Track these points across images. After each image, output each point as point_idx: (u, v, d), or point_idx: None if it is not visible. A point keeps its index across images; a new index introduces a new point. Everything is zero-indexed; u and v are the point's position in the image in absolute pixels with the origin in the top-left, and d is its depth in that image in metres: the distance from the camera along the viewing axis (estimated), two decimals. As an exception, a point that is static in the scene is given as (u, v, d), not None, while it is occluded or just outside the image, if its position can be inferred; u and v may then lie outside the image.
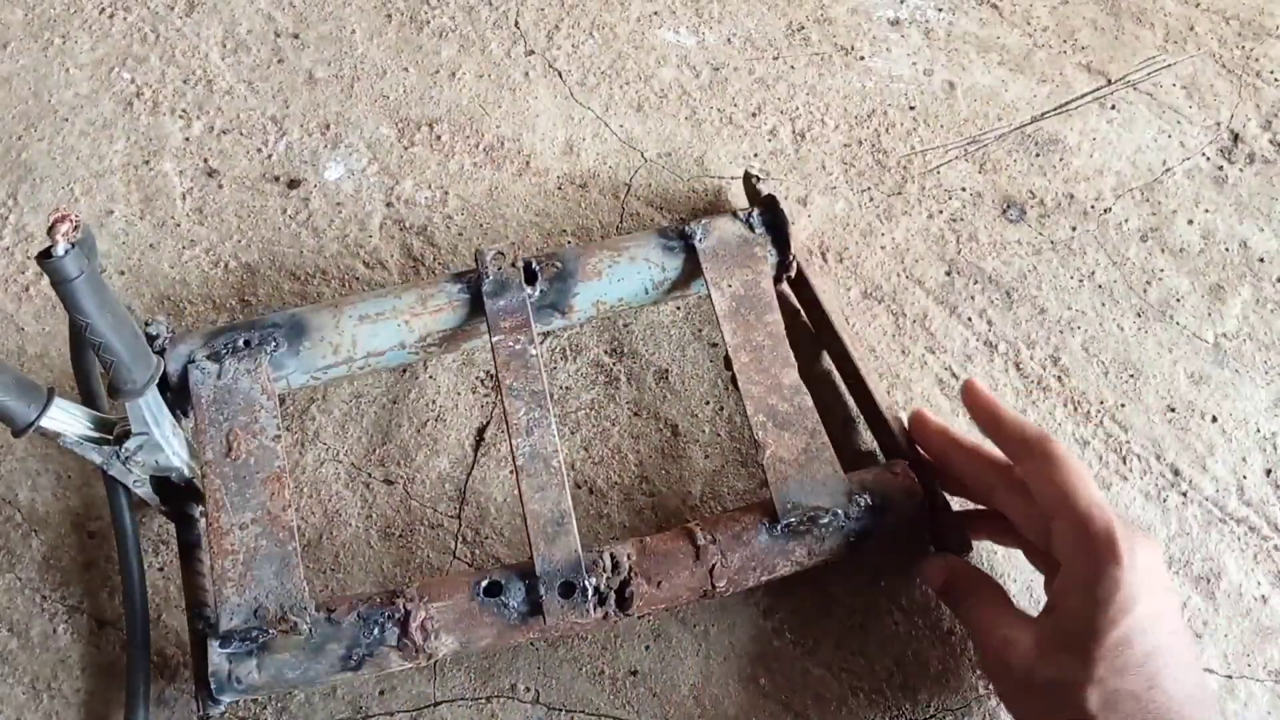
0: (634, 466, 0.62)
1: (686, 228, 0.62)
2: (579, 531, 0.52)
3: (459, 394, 0.64)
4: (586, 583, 0.51)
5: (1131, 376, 0.65)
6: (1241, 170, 0.73)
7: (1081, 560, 0.47)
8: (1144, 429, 0.63)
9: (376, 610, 0.51)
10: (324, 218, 0.70)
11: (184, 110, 0.75)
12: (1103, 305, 0.67)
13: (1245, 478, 0.62)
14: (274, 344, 0.57)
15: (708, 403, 0.64)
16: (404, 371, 0.64)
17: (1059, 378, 0.65)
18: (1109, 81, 0.77)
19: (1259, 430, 0.63)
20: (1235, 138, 0.74)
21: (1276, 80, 0.76)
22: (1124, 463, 0.62)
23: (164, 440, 0.51)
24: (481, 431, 0.63)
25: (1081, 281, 0.68)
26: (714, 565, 0.53)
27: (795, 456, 0.54)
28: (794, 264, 0.63)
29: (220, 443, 0.54)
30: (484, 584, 0.52)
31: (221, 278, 0.68)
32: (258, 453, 0.53)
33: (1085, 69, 0.77)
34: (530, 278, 0.59)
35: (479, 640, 0.52)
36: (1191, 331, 0.67)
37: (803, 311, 0.65)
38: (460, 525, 0.61)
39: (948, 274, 0.68)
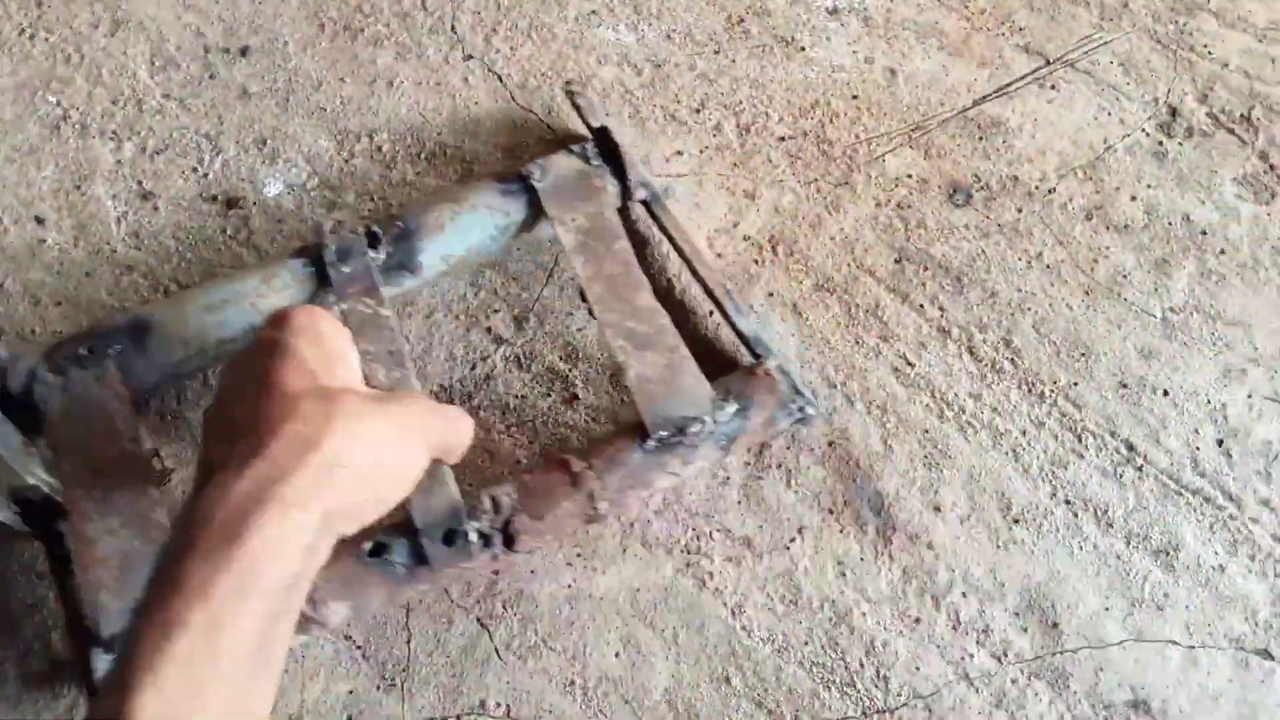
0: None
1: (524, 169, 0.62)
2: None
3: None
4: (469, 527, 0.52)
5: (1083, 355, 0.65)
6: (1181, 144, 0.74)
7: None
8: (1097, 406, 0.64)
9: None
10: (265, 236, 0.69)
11: (114, 132, 0.73)
12: (1051, 285, 0.68)
13: (1198, 449, 0.63)
14: (118, 347, 0.55)
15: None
16: (355, 389, 0.63)
17: (1012, 360, 0.65)
18: (1047, 62, 0.77)
19: (1209, 401, 0.64)
20: (1173, 112, 0.75)
21: (1210, 54, 0.77)
22: (1079, 440, 0.63)
23: (14, 460, 0.49)
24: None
25: (1029, 263, 0.69)
26: (592, 490, 0.53)
27: (659, 374, 0.56)
28: (637, 189, 0.63)
29: (77, 453, 0.52)
30: (367, 546, 0.52)
31: (162, 303, 0.66)
32: (119, 458, 0.52)
33: (1024, 50, 0.78)
34: (373, 241, 0.59)
35: (370, 602, 0.52)
36: (1139, 307, 0.67)
37: (668, 231, 0.64)
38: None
39: (898, 262, 0.68)
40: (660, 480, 0.55)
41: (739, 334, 0.60)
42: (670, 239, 0.63)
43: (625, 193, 0.63)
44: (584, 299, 0.60)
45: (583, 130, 0.67)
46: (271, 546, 0.36)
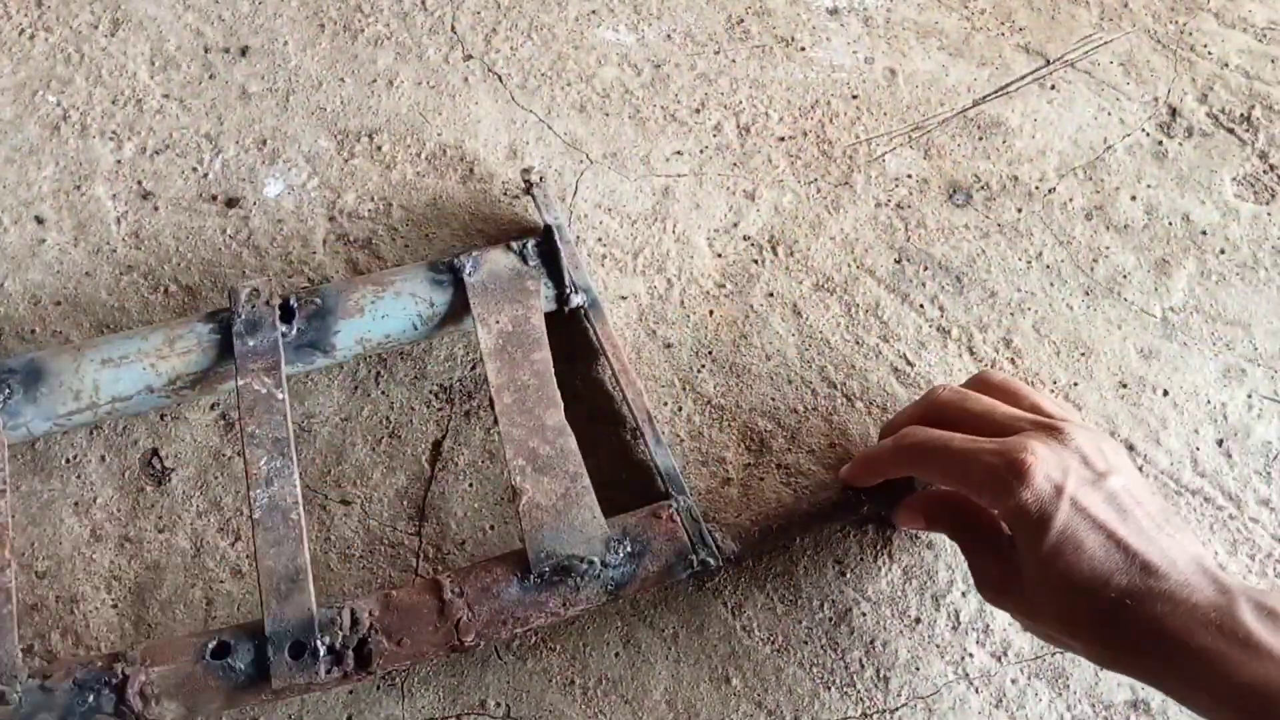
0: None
1: (456, 260, 0.60)
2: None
3: (413, 408, 0.63)
4: (319, 643, 0.49)
5: (1083, 355, 0.65)
6: (1180, 144, 0.74)
7: (1001, 506, 0.46)
8: (1097, 406, 0.64)
9: (93, 676, 0.48)
10: (265, 236, 0.69)
11: (114, 132, 0.73)
12: (1051, 285, 0.68)
13: (1198, 449, 0.63)
14: (8, 390, 0.54)
15: (665, 403, 0.63)
16: (355, 389, 0.63)
17: (1012, 360, 0.65)
18: (1048, 61, 0.77)
19: (1209, 401, 0.64)
20: (1173, 112, 0.75)
21: (1210, 53, 0.77)
22: (1080, 441, 0.63)
23: None
24: (438, 445, 0.62)
25: (1029, 263, 0.69)
26: (460, 619, 0.51)
27: (553, 503, 0.52)
28: (573, 295, 0.60)
29: None
30: (211, 646, 0.49)
31: (162, 303, 0.66)
32: None
33: (1024, 50, 0.78)
34: (287, 315, 0.57)
35: (205, 705, 0.48)
36: (1139, 307, 0.67)
37: (600, 344, 0.61)
38: (421, 542, 0.60)
39: (897, 262, 0.68)
40: (536, 619, 0.51)
41: (654, 466, 0.56)
42: (603, 351, 0.59)
43: (561, 298, 0.60)
44: (491, 407, 0.56)
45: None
46: None
